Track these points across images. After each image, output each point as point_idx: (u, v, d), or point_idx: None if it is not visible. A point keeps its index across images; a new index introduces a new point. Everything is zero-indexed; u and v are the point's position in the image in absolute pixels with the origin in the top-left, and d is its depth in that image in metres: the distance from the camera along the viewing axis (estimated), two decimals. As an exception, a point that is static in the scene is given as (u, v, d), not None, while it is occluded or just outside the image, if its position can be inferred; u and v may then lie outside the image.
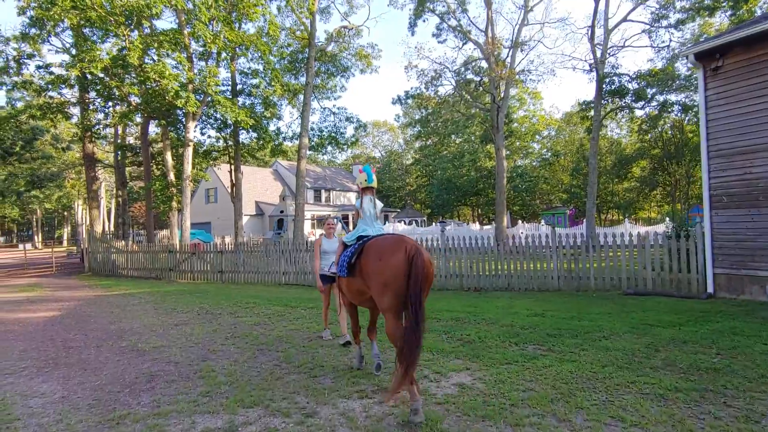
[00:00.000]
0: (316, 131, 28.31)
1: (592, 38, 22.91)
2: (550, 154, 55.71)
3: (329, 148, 32.77)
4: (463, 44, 26.63)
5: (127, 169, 28.73)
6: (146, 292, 12.75)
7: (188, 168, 17.65)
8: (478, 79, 28.87)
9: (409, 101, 27.64)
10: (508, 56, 25.40)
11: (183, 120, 18.45)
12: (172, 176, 18.68)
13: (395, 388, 3.50)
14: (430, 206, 63.70)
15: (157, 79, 15.28)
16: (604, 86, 22.97)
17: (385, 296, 3.78)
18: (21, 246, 38.73)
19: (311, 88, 21.23)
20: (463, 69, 28.20)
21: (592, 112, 25.56)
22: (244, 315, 8.70)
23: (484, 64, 29.39)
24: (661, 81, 22.17)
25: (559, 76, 76.45)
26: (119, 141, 24.83)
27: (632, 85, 23.49)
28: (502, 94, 25.92)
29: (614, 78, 23.32)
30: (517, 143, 53.02)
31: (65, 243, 56.76)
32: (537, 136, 56.18)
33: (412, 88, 26.23)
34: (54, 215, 67.14)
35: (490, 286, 10.54)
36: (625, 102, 24.31)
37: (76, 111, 19.92)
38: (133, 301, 11.15)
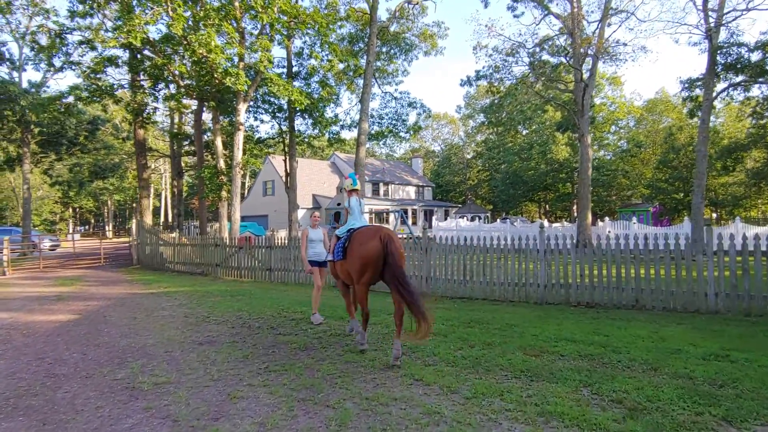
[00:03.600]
0: (376, 118, 26.29)
1: (705, 1, 19.16)
2: (627, 144, 50.64)
3: (389, 140, 30.72)
4: (543, 17, 23.51)
5: (184, 158, 28.08)
6: (185, 292, 11.16)
7: (238, 154, 16.09)
8: (556, 60, 25.68)
9: (480, 82, 24.90)
10: (596, 30, 22.10)
11: (235, 103, 16.90)
12: (222, 163, 17.26)
13: (424, 334, 4.68)
14: (492, 202, 60.29)
15: (204, 54, 13.73)
16: (718, 59, 19.20)
17: (361, 273, 5.13)
18: (100, 234, 39.75)
19: (372, 68, 19.12)
20: (538, 49, 25.11)
21: (697, 91, 21.75)
22: (287, 332, 6.70)
23: (563, 41, 26.18)
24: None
25: (657, 51, 69.23)
26: (175, 129, 23.94)
27: (754, 56, 19.49)
28: (586, 74, 22.66)
29: (731, 49, 19.41)
30: (592, 133, 48.50)
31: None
32: (613, 127, 51.27)
33: (484, 67, 23.57)
34: (125, 206, 69.88)
35: (609, 301, 7.91)
36: (744, 77, 20.26)
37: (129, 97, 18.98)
38: (166, 303, 9.53)
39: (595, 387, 4.16)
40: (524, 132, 53.32)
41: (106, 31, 15.25)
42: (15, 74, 24.93)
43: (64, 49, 15.92)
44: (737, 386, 4.13)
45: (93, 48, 15.77)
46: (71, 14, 14.96)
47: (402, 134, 26.81)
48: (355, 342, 5.85)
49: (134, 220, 19.01)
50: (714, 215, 44.98)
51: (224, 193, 16.86)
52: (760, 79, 20.62)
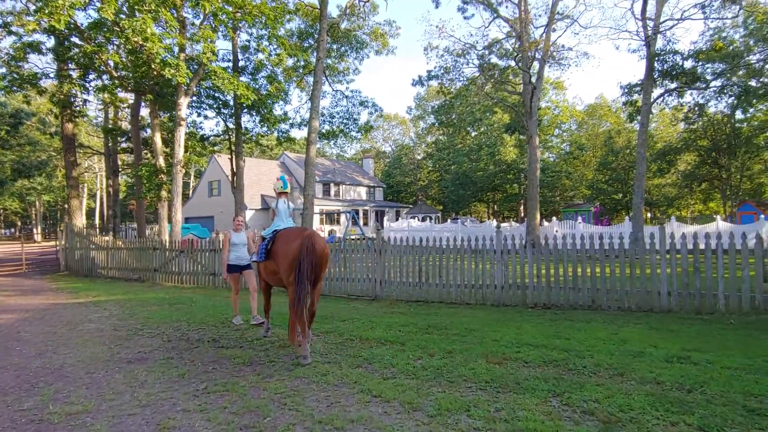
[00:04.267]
0: (327, 117, 25.68)
1: (643, 11, 20.00)
2: (570, 147, 52.66)
3: (340, 140, 30.20)
4: (492, 20, 23.80)
5: (121, 156, 26.26)
6: (117, 300, 10.19)
7: (180, 152, 15.05)
8: (504, 63, 26.14)
9: (431, 83, 24.87)
10: (542, 34, 22.58)
11: (175, 97, 15.81)
12: (161, 161, 16.09)
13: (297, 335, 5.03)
14: (442, 202, 60.96)
15: (140, 42, 12.68)
16: (655, 65, 20.10)
17: (289, 273, 5.14)
18: (22, 238, 36.55)
19: (322, 65, 18.53)
20: (487, 52, 25.45)
21: (636, 96, 22.72)
22: (231, 344, 6.10)
23: (510, 45, 26.68)
24: (728, 57, 19.19)
25: (598, 57, 71.97)
26: (110, 124, 22.27)
27: (687, 64, 20.57)
28: (534, 77, 23.13)
29: (667, 57, 20.38)
30: (539, 135, 50.08)
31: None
32: (556, 130, 53.16)
33: (435, 67, 23.52)
34: (56, 207, 65.07)
35: (565, 301, 7.83)
36: (678, 84, 21.32)
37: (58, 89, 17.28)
38: (93, 314, 8.60)
39: (565, 397, 3.91)
40: (473, 134, 54.27)
41: (29, 15, 13.79)
42: None
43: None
44: (705, 391, 4.00)
45: (10, 32, 14.21)
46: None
47: (353, 134, 26.35)
48: (263, 335, 6.42)
49: (63, 223, 17.42)
50: (649, 215, 47.54)
51: (164, 193, 15.73)
52: (693, 86, 21.81)
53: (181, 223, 15.37)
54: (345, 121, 25.80)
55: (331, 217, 39.94)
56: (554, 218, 25.91)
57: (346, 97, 24.81)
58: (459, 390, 4.19)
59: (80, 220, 17.46)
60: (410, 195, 64.89)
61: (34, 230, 57.25)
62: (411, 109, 66.65)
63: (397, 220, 41.84)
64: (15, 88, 14.97)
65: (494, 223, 29.61)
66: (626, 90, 23.61)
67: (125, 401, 4.16)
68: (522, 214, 50.92)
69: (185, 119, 15.49)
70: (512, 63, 25.65)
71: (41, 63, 17.50)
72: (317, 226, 37.40)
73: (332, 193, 43.38)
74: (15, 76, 14.74)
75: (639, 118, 21.20)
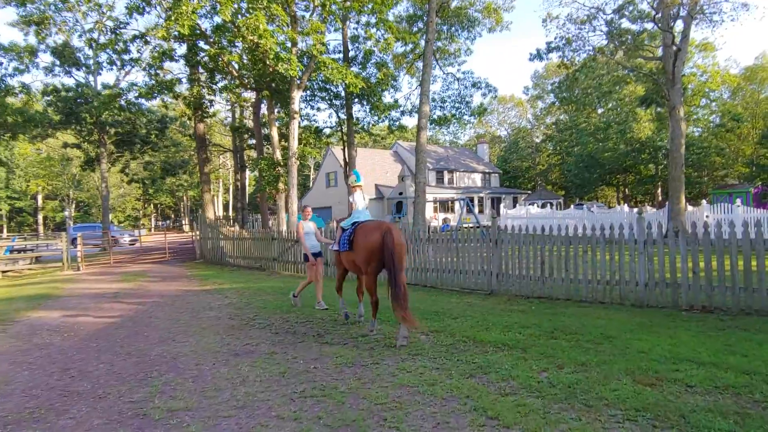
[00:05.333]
0: (438, 101, 24.91)
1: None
2: (721, 119, 45.25)
3: (453, 126, 29.23)
4: (623, -22, 20.89)
5: (248, 152, 28.32)
6: (238, 289, 10.67)
7: (294, 144, 15.50)
8: (638, 28, 22.92)
9: (551, 55, 22.72)
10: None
11: (289, 91, 16.31)
12: (278, 154, 16.80)
13: (411, 322, 5.15)
14: (564, 187, 56.72)
15: (255, 40, 13.16)
16: None
17: (368, 264, 5.62)
18: (165, 230, 41.61)
19: (431, 47, 17.79)
20: (617, 16, 22.49)
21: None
22: (335, 340, 5.79)
23: (646, 5, 23.33)
24: None
25: (763, 5, 59.95)
26: (236, 123, 23.99)
27: None
28: (677, 38, 19.89)
29: None
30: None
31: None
32: (703, 100, 46.02)
33: (556, 38, 21.39)
34: (200, 201, 73.34)
35: (734, 305, 6.28)
36: None
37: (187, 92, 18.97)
38: (215, 302, 9.02)
39: (758, 445, 2.84)
40: (600, 110, 49.36)
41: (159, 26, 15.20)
42: (90, 78, 26.18)
43: (120, 45, 16.13)
44: None
45: (146, 42, 15.82)
46: (129, 10, 15.02)
47: (466, 118, 25.26)
48: (345, 313, 6.84)
49: (197, 215, 19.17)
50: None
51: (281, 185, 16.40)
52: None
53: (297, 214, 15.89)
54: (457, 105, 24.80)
55: (444, 205, 39.19)
56: (704, 201, 22.27)
57: (458, 79, 23.78)
58: (599, 419, 3.31)
59: (212, 213, 19.04)
60: (528, 180, 61.43)
61: (183, 222, 65.14)
62: (528, 89, 62.70)
63: (514, 207, 39.71)
64: (155, 93, 16.76)
65: (625, 208, 26.46)
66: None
67: (224, 400, 3.99)
68: (659, 198, 45.24)
69: (298, 112, 15.91)
70: (648, 26, 22.45)
71: (176, 69, 19.64)
72: (430, 215, 36.96)
73: (446, 180, 42.53)
74: (154, 82, 16.51)
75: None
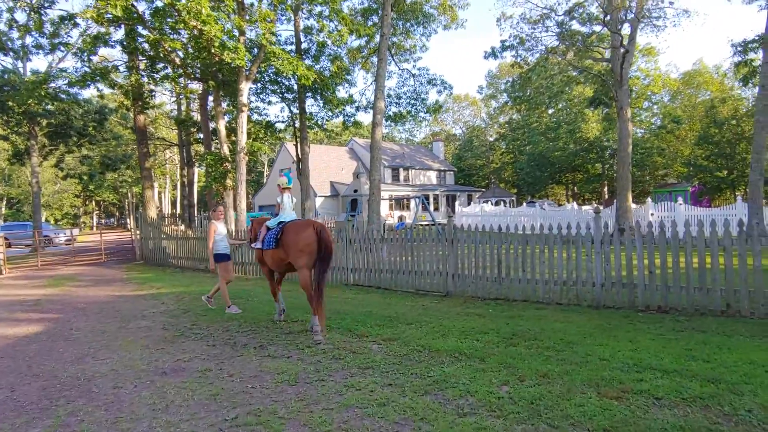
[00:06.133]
0: (393, 98, 24.58)
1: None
2: (661, 120, 47.48)
3: (408, 124, 28.99)
4: (574, -20, 21.28)
5: (195, 147, 26.93)
6: (177, 293, 9.86)
7: (243, 138, 14.69)
8: (588, 30, 23.49)
9: (505, 54, 22.83)
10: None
11: (237, 83, 15.42)
12: (225, 149, 15.90)
13: (320, 321, 5.67)
14: (517, 185, 57.97)
15: (199, 27, 12.28)
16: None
17: (301, 258, 5.81)
18: (131, 227, 39.10)
19: (386, 41, 17.39)
20: (568, 18, 22.95)
21: (752, 55, 19.42)
22: (279, 352, 5.25)
23: (595, 9, 23.98)
24: None
25: (704, 12, 61.38)
26: (183, 116, 22.69)
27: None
28: (625, 40, 20.44)
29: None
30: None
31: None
32: (645, 102, 48.12)
33: (510, 36, 21.49)
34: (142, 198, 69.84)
35: (689, 305, 6.21)
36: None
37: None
38: (150, 309, 8.23)
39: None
40: (551, 111, 50.70)
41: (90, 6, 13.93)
42: (20, 64, 24.06)
43: (48, 27, 14.68)
44: None
45: (75, 24, 14.49)
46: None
47: (421, 114, 25.05)
48: (276, 318, 6.84)
49: (138, 213, 17.93)
50: None
51: (229, 182, 15.52)
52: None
53: (245, 212, 15.09)
54: (412, 101, 24.57)
55: (400, 203, 39.03)
56: (648, 199, 23.08)
57: (413, 75, 23.53)
58: (567, 442, 2.97)
59: (153, 210, 17.84)
60: (483, 178, 62.41)
61: (128, 220, 61.87)
62: (482, 88, 63.66)
63: (469, 204, 40.09)
64: (88, 81, 15.39)
65: (575, 205, 27.13)
66: (740, 48, 20.17)
67: (139, 432, 3.39)
68: (605, 196, 46.99)
69: (247, 105, 15.09)
70: (597, 28, 23.02)
71: (112, 57, 18.12)
72: (386, 213, 36.66)
73: (401, 178, 42.38)
74: (87, 69, 15.15)
75: (757, 79, 18.00)
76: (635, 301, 6.54)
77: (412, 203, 37.46)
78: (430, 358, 4.81)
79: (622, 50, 18.93)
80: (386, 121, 25.49)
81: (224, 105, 18.11)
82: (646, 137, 46.42)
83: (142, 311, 8.01)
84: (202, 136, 21.85)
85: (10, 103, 21.64)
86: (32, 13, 14.52)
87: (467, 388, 3.93)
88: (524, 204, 38.57)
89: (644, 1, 18.63)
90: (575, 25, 23.57)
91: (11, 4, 14.70)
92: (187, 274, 13.81)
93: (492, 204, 35.84)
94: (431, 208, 38.22)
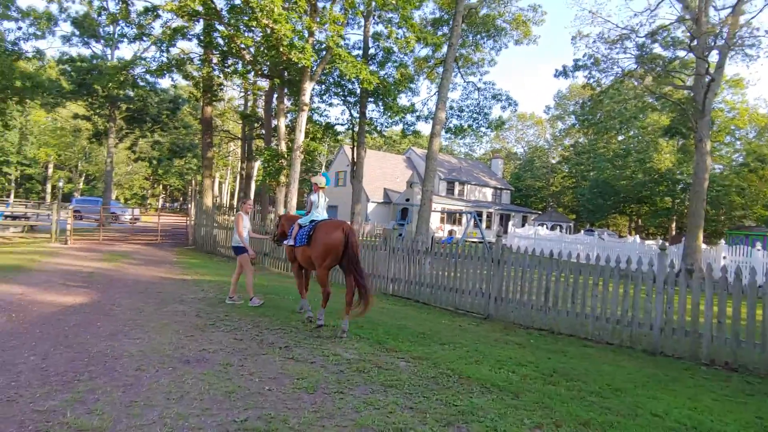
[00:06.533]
0: (455, 110, 24.26)
1: None
2: (743, 158, 44.00)
3: (468, 138, 28.52)
4: (660, 1, 20.12)
5: (257, 142, 27.77)
6: (219, 282, 10.01)
7: (300, 137, 14.87)
8: (670, 55, 22.13)
9: (578, 74, 21.92)
10: (729, 14, 18.39)
11: (301, 82, 15.68)
12: (283, 146, 16.18)
13: (351, 317, 5.93)
14: (576, 211, 55.68)
15: (270, 25, 12.58)
16: None
17: (323, 257, 5.95)
18: (158, 212, 40.89)
19: (454, 52, 17.10)
20: (650, 41, 21.72)
21: None
22: (303, 356, 5.08)
23: (680, 33, 22.59)
24: None
25: None
26: (247, 111, 23.46)
27: None
28: (712, 68, 19.04)
29: None
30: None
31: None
32: (727, 137, 44.82)
33: (584, 56, 20.62)
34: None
35: (762, 363, 5.47)
36: None
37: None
38: (189, 294, 8.36)
39: None
40: (620, 137, 48.37)
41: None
42: (108, 51, 25.83)
43: (134, 17, 15.65)
44: None
45: (157, 16, 15.34)
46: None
47: (483, 129, 24.53)
48: (308, 316, 6.63)
49: (194, 200, 18.63)
50: None
51: (282, 178, 15.76)
52: None
53: (295, 209, 15.24)
54: (475, 115, 24.13)
55: (452, 217, 38.43)
56: (722, 241, 21.29)
57: (478, 89, 23.10)
58: None
59: (210, 199, 18.44)
60: (540, 200, 60.49)
61: (190, 205, 64.98)
62: (549, 108, 61.84)
63: (523, 225, 38.85)
64: (164, 71, 16.22)
65: (637, 239, 25.50)
66: None
67: (148, 421, 3.31)
68: (673, 232, 44.09)
69: (309, 105, 15.28)
70: (681, 53, 21.63)
71: (187, 49, 19.09)
72: (437, 225, 36.19)
73: (456, 191, 41.75)
74: (165, 59, 16.00)
75: None
76: (698, 352, 5.86)
77: (464, 218, 36.76)
78: (458, 385, 4.47)
79: (707, 78, 17.62)
80: (446, 133, 25.18)
81: (287, 103, 18.52)
82: (725, 174, 43.22)
83: (182, 295, 8.15)
84: (264, 132, 22.47)
85: (96, 86, 23.20)
86: (120, 2, 15.55)
87: (495, 425, 3.57)
88: (582, 231, 36.88)
89: (737, 28, 17.27)
90: (657, 49, 22.33)
91: None
92: (232, 263, 14.06)
93: (547, 228, 34.47)
94: (483, 225, 37.37)
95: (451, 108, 24.50)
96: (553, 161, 62.18)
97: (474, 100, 24.05)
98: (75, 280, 9.10)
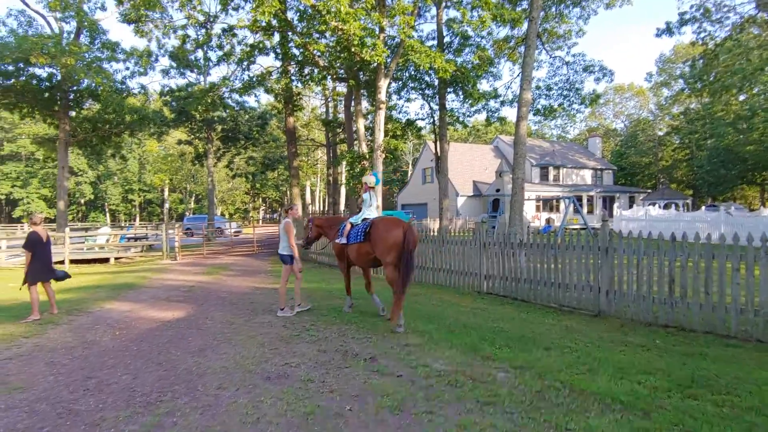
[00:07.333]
0: (542, 89, 22.59)
1: None
2: None
3: (560, 119, 26.59)
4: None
5: (341, 147, 28.21)
6: (309, 289, 9.97)
7: (380, 136, 14.58)
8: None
9: (684, 29, 19.21)
10: None
11: (375, 80, 15.41)
12: (364, 147, 16.01)
13: (396, 311, 6.00)
14: (693, 185, 49.82)
15: (339, 26, 12.43)
16: None
17: (389, 254, 6.20)
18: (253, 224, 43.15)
19: (536, 26, 15.77)
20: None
21: None
22: (389, 367, 4.65)
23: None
24: None
25: None
26: (328, 117, 23.82)
27: None
28: None
29: None
30: None
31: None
32: None
33: (692, 8, 17.96)
34: (302, 195, 76.49)
35: None
36: None
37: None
38: (275, 304, 8.34)
39: None
40: (742, 97, 42.27)
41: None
42: (201, 78, 27.78)
43: (215, 40, 16.49)
44: None
45: (234, 35, 15.97)
46: (223, 4, 15.17)
47: (576, 106, 22.54)
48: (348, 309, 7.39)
49: (283, 209, 19.15)
50: None
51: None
52: None
53: (380, 210, 14.99)
54: (565, 92, 22.23)
55: (548, 205, 36.16)
56: None
57: (567, 63, 21.25)
58: None
59: (300, 207, 18.87)
60: (648, 178, 55.03)
61: (281, 215, 68.32)
62: (651, 75, 55.94)
63: (630, 207, 35.42)
64: (248, 89, 16.91)
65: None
66: None
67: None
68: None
69: (385, 102, 14.95)
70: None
71: (265, 64, 19.93)
72: (532, 214, 34.25)
73: (550, 177, 39.23)
74: (246, 77, 16.70)
75: None
76: None
77: (562, 205, 34.38)
78: (571, 401, 3.74)
79: None
80: (534, 115, 23.57)
81: (365, 105, 18.39)
82: None
83: (271, 305, 8.15)
84: (345, 136, 22.66)
85: (193, 112, 25.01)
86: (201, 27, 16.45)
87: (623, 457, 2.84)
88: (703, 208, 32.74)
89: None
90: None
91: (185, 21, 16.95)
92: (324, 270, 14.18)
93: (659, 207, 30.99)
94: (584, 210, 34.64)
95: (538, 88, 22.85)
96: (660, 133, 56.18)
97: (563, 76, 22.18)
98: (177, 294, 9.56)
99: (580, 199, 35.33)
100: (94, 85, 18.64)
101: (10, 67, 17.86)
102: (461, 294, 9.30)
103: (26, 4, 18.91)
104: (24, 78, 18.73)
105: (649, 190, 44.85)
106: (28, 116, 21.07)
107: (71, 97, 20.32)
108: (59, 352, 5.50)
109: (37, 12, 19.92)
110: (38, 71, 19.00)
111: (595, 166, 41.97)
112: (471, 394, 3.92)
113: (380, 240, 6.26)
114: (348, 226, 6.88)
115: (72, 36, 19.82)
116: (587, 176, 41.41)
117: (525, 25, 19.14)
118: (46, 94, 19.91)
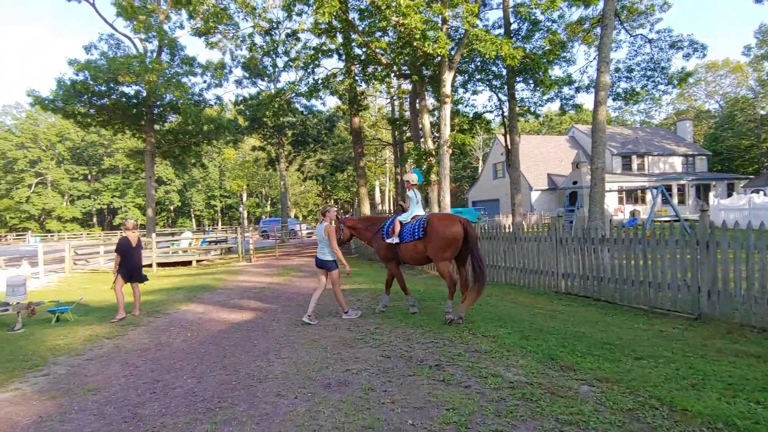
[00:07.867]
0: (623, 71, 20.97)
1: None
2: None
3: (643, 104, 24.62)
4: None
5: (408, 145, 27.98)
6: (375, 290, 9.80)
7: (446, 131, 14.12)
8: None
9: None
10: None
11: (440, 74, 14.96)
12: (430, 143, 15.62)
13: (469, 304, 6.21)
14: (806, 169, 44.03)
15: (400, 21, 12.15)
16: None
17: (446, 251, 6.25)
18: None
19: (613, 3, 14.58)
20: None
21: None
22: (456, 377, 4.28)
23: None
24: None
25: None
26: (394, 116, 23.66)
27: None
28: None
29: None
30: None
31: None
32: None
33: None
34: (372, 195, 77.37)
35: None
36: None
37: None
38: (347, 299, 8.22)
39: None
40: None
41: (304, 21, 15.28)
42: (271, 86, 28.78)
43: (282, 48, 16.85)
44: None
45: (297, 39, 16.18)
46: (287, 11, 15.47)
47: (661, 87, 20.69)
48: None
49: (352, 209, 19.30)
50: None
51: (433, 176, 15.19)
52: None
53: (449, 208, 14.52)
54: (648, 73, 20.46)
55: (633, 196, 33.60)
56: None
57: (650, 41, 19.52)
58: None
59: (367, 207, 18.88)
60: (750, 162, 49.55)
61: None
62: (749, 48, 50.30)
63: (729, 195, 31.97)
64: (313, 92, 17.16)
65: None
66: None
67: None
68: None
69: (450, 96, 14.47)
70: None
71: (329, 66, 20.15)
72: (614, 206, 31.98)
73: (634, 166, 36.43)
74: (312, 80, 16.93)
75: None
76: None
77: (648, 195, 31.77)
78: (671, 424, 3.17)
79: None
80: (613, 100, 21.95)
81: (430, 100, 17.98)
82: None
83: (337, 307, 8.02)
84: (411, 134, 22.39)
85: (264, 119, 25.95)
86: (266, 35, 16.91)
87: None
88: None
89: None
90: None
91: (251, 29, 17.53)
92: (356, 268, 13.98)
93: (765, 195, 27.63)
94: (674, 200, 31.73)
95: (617, 70, 21.22)
96: (763, 112, 50.31)
97: (645, 56, 20.41)
98: (248, 296, 9.76)
99: (669, 188, 32.46)
100: (174, 98, 19.87)
101: (103, 87, 19.49)
102: (536, 294, 8.66)
103: (114, 29, 20.62)
104: (115, 96, 20.39)
105: (751, 176, 40.26)
106: (120, 132, 22.90)
107: (155, 111, 21.82)
108: (134, 354, 5.70)
109: (123, 35, 21.58)
110: (126, 89, 20.61)
111: (686, 152, 38.39)
112: (548, 410, 3.46)
113: (438, 237, 6.25)
114: (398, 226, 6.79)
115: (154, 54, 21.28)
116: (677, 164, 37.99)
117: (601, 4, 17.77)
118: (134, 110, 21.54)
